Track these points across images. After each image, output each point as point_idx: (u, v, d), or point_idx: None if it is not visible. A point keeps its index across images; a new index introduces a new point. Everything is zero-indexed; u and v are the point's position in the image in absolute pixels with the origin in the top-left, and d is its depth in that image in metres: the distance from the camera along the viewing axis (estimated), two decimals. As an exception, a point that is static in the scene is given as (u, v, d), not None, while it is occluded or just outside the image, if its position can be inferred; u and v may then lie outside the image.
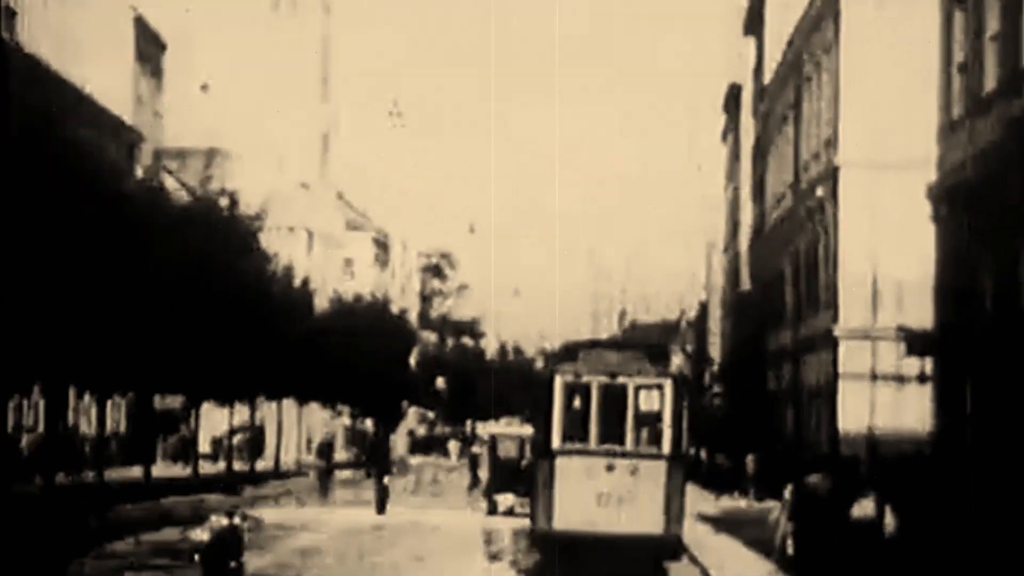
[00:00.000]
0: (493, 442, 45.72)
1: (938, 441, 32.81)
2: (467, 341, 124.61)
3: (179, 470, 57.58)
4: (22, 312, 33.57)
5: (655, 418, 26.99)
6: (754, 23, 72.93)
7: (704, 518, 40.20)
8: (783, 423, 55.56)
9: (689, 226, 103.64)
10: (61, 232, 34.36)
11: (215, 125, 78.69)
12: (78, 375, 40.82)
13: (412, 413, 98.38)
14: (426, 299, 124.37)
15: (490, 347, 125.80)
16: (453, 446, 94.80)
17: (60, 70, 52.21)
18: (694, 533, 33.30)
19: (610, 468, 26.63)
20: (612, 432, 26.86)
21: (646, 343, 50.78)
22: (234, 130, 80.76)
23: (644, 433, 26.96)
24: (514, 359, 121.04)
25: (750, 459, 52.51)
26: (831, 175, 46.87)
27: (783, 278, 56.88)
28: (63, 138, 36.32)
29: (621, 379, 27.04)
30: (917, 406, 39.40)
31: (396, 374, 74.78)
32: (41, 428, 48.76)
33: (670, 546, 27.03)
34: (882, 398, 44.15)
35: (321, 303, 67.51)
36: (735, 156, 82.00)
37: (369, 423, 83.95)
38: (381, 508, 42.69)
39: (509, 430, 48.23)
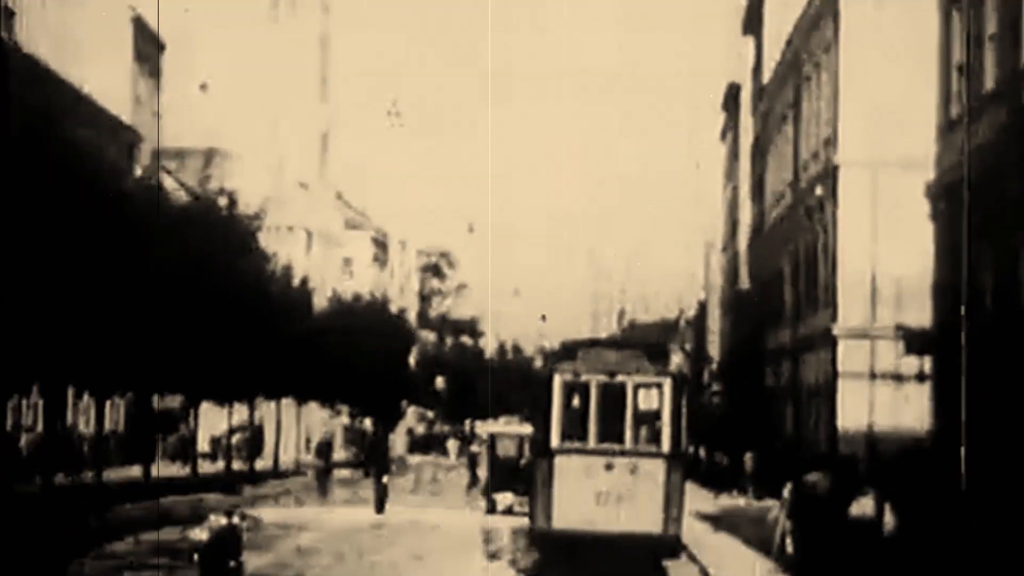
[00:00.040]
0: (492, 441, 45.69)
1: (937, 439, 32.83)
2: (466, 340, 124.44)
3: (178, 470, 57.52)
4: (21, 312, 33.56)
5: (654, 417, 26.99)
6: (753, 22, 72.89)
7: (703, 517, 40.17)
8: (782, 422, 55.53)
9: (688, 225, 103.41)
10: (60, 232, 34.35)
11: (214, 125, 78.51)
12: (77, 375, 40.79)
13: (411, 412, 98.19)
14: (425, 298, 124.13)
15: (489, 346, 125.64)
16: (452, 445, 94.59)
17: (59, 70, 52.11)
18: (693, 532, 33.27)
19: (609, 467, 26.62)
20: (611, 431, 26.85)
21: (645, 342, 50.77)
22: (233, 130, 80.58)
23: (643, 432, 26.95)
24: (513, 358, 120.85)
25: (749, 457, 52.49)
26: (830, 174, 46.86)
27: (782, 277, 56.86)
28: (62, 138, 36.30)
29: (620, 378, 27.03)
30: (916, 405, 39.49)
31: (395, 373, 74.65)
32: (40, 428, 48.68)
33: (669, 545, 27.03)
34: (881, 397, 44.12)
35: (320, 302, 67.46)
36: (734, 155, 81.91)
37: (368, 422, 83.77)
38: (380, 507, 42.66)
39: (508, 429, 48.10)
